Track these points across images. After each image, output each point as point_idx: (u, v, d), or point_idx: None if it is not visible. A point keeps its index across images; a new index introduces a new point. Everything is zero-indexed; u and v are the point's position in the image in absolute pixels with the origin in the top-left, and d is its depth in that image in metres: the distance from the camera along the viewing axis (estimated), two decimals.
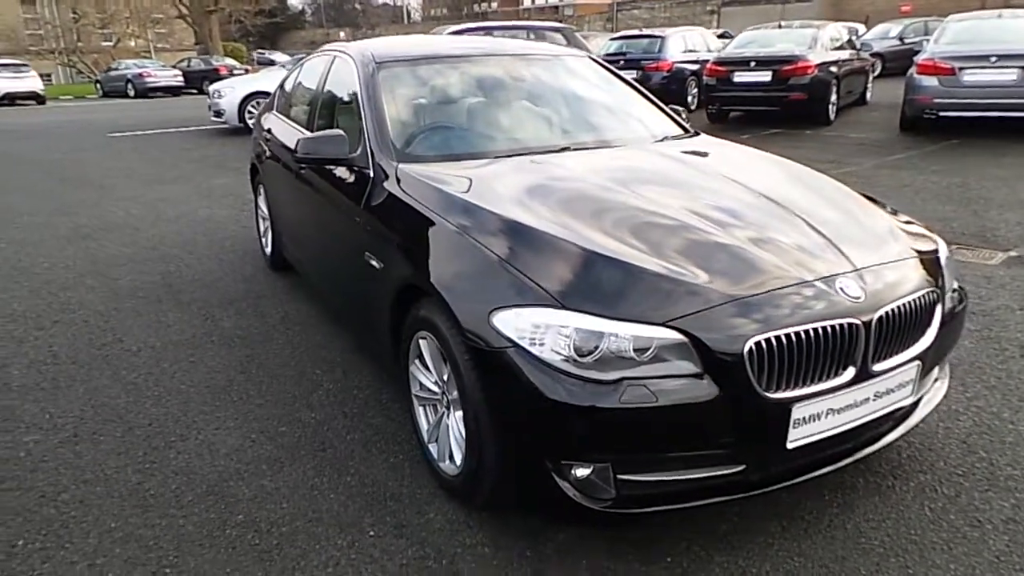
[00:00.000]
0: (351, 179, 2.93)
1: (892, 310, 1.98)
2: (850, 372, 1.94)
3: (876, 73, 15.52)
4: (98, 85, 30.47)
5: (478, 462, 2.10)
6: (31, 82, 25.00)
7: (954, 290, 2.42)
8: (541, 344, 1.84)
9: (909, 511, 2.26)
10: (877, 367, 1.98)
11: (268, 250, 4.77)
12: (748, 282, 1.94)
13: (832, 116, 10.55)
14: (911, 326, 2.05)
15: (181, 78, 28.07)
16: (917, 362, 2.09)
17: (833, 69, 10.44)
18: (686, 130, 3.47)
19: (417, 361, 2.40)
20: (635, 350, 1.81)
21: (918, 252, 2.26)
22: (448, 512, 2.28)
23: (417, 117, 3.10)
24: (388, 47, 3.50)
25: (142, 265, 4.98)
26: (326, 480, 2.47)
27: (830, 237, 2.19)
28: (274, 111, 4.58)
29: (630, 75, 12.53)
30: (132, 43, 41.98)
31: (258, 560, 2.08)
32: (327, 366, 3.34)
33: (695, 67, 12.85)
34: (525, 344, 1.85)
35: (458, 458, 2.22)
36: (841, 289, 1.96)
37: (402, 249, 2.45)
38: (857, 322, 1.91)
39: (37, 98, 24.95)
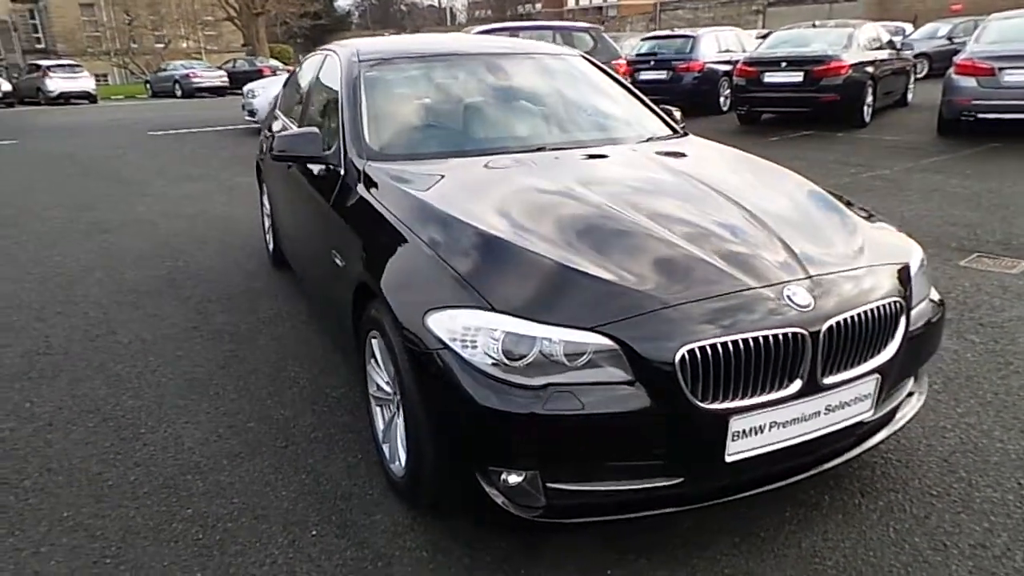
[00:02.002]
0: (325, 177, 2.94)
1: (844, 320, 1.89)
2: (796, 384, 1.85)
3: (922, 74, 15.05)
4: (148, 85, 31.43)
5: (417, 465, 2.07)
6: (84, 82, 25.93)
7: (931, 301, 2.30)
8: (473, 347, 1.80)
9: (872, 531, 2.15)
10: (828, 380, 1.89)
11: (270, 247, 4.83)
12: (689, 288, 1.87)
13: (867, 118, 10.22)
14: (868, 338, 1.95)
15: (226, 79, 28.74)
16: (876, 376, 1.99)
17: (869, 70, 10.12)
18: (675, 131, 3.39)
19: (372, 360, 2.39)
20: (567, 355, 1.76)
21: (885, 261, 2.15)
22: (395, 514, 2.26)
23: (395, 115, 3.10)
24: (375, 45, 3.50)
25: (151, 260, 5.10)
26: (281, 477, 2.47)
27: (789, 243, 2.09)
28: (277, 109, 4.64)
29: (660, 76, 12.54)
30: (184, 44, 43.27)
31: (197, 555, 2.09)
32: (306, 364, 3.35)
33: (728, 68, 12.60)
34: (456, 347, 1.82)
35: (404, 459, 2.19)
36: (789, 297, 1.87)
37: (358, 247, 2.44)
38: (803, 332, 1.82)
39: (89, 97, 25.86)
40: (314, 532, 2.19)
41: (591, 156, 2.87)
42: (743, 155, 3.10)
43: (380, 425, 2.43)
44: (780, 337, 1.80)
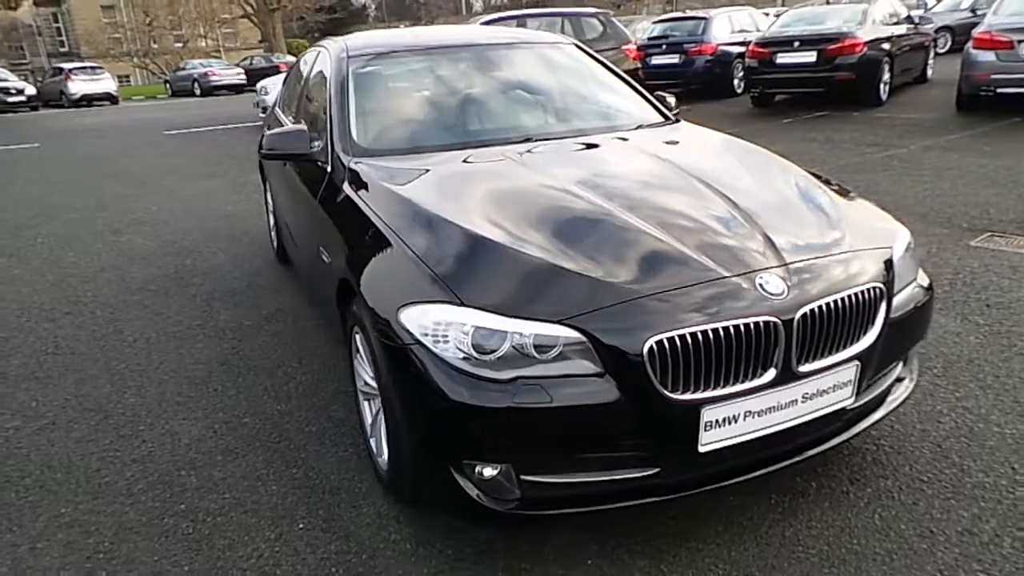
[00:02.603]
0: (313, 173, 2.96)
1: (819, 308, 1.86)
2: (771, 373, 1.83)
3: (944, 49, 14.69)
4: (167, 85, 31.81)
5: (397, 458, 2.09)
6: (105, 84, 26.32)
7: (918, 284, 2.26)
8: (445, 341, 1.81)
9: (858, 519, 2.13)
10: (803, 368, 1.87)
11: (275, 243, 4.88)
12: (658, 278, 1.86)
13: (884, 96, 10.01)
14: (846, 325, 1.92)
15: (243, 76, 28.97)
16: (856, 363, 1.96)
17: (885, 46, 9.90)
18: (667, 118, 3.35)
19: (358, 355, 2.41)
20: (537, 348, 1.76)
21: (866, 246, 2.11)
22: (380, 507, 2.28)
23: (382, 110, 3.11)
24: (365, 40, 3.51)
25: (160, 259, 5.18)
26: (272, 472, 2.51)
27: (768, 230, 2.07)
28: (277, 107, 4.68)
29: (672, 60, 12.39)
30: (202, 43, 43.68)
31: (187, 549, 2.14)
32: (305, 359, 3.39)
33: (742, 49, 12.40)
34: (428, 342, 1.83)
35: (387, 453, 2.22)
36: (761, 285, 1.85)
37: (341, 244, 2.46)
38: (775, 320, 1.80)
39: (111, 99, 26.25)
40: (301, 525, 2.23)
41: (576, 146, 2.85)
42: (732, 141, 3.06)
43: (368, 419, 2.46)
44: (752, 326, 1.78)
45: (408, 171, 2.58)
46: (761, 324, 1.79)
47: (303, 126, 2.97)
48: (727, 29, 12.59)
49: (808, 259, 1.98)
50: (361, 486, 2.40)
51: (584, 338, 1.75)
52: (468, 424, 1.79)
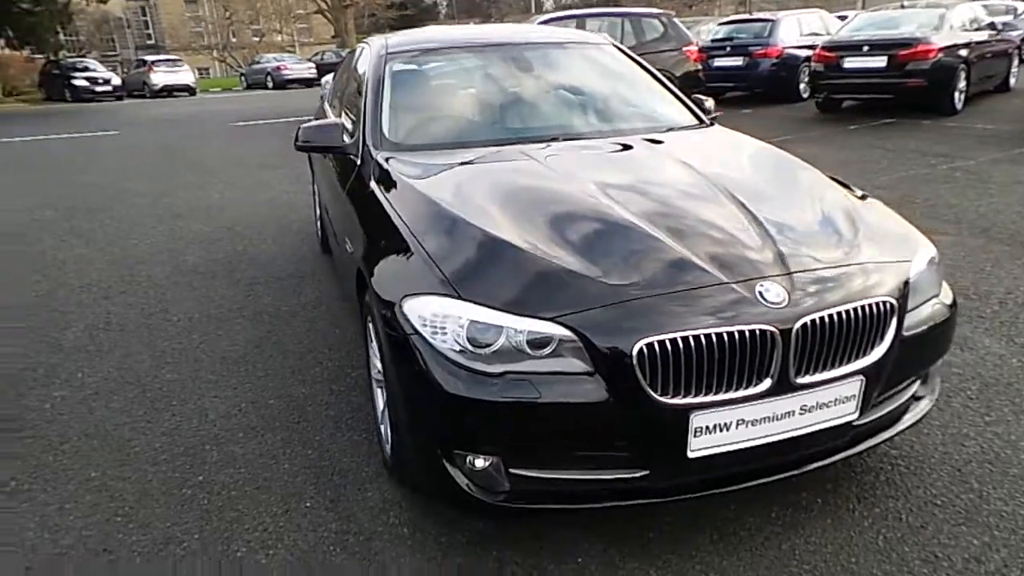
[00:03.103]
0: (346, 166, 3.06)
1: (820, 319, 1.82)
2: (766, 383, 1.81)
3: None
4: (243, 78, 33.01)
5: (398, 445, 2.16)
6: (184, 76, 27.54)
7: (940, 302, 2.18)
8: (444, 333, 1.85)
9: (860, 538, 2.07)
10: (802, 380, 1.84)
11: (319, 233, 5.04)
12: (655, 281, 1.86)
13: (959, 105, 9.57)
14: (850, 338, 1.88)
15: (314, 70, 29.80)
16: (860, 378, 1.91)
17: (962, 53, 9.45)
18: (701, 121, 3.31)
19: (371, 344, 2.49)
20: (530, 344, 1.79)
21: (880, 259, 2.06)
22: (385, 492, 2.35)
23: (414, 106, 3.18)
24: (406, 37, 3.60)
25: (214, 244, 5.42)
26: (289, 451, 2.61)
27: (778, 238, 2.04)
28: (326, 101, 4.83)
29: (736, 63, 12.14)
30: (278, 38, 45.08)
31: (198, 519, 2.25)
32: (334, 346, 3.50)
33: (810, 53, 12.04)
34: (427, 333, 1.88)
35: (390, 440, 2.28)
36: (760, 293, 1.83)
37: (361, 234, 2.54)
38: (771, 329, 1.78)
39: (189, 90, 27.45)
40: (308, 504, 2.31)
41: (600, 147, 2.86)
42: (760, 147, 3.00)
43: (379, 406, 2.53)
44: (747, 334, 1.77)
45: (429, 166, 2.64)
46: (757, 332, 1.77)
47: (337, 120, 3.09)
48: (795, 32, 12.25)
49: (815, 270, 1.94)
50: (369, 470, 2.47)
51: (575, 337, 1.77)
52: (457, 415, 1.83)
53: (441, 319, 1.86)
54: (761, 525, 2.15)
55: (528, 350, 1.79)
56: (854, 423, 1.99)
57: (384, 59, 3.31)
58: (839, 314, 1.85)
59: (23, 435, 2.77)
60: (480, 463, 1.90)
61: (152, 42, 51.12)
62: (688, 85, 10.71)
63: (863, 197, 2.53)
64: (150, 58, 28.87)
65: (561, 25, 10.59)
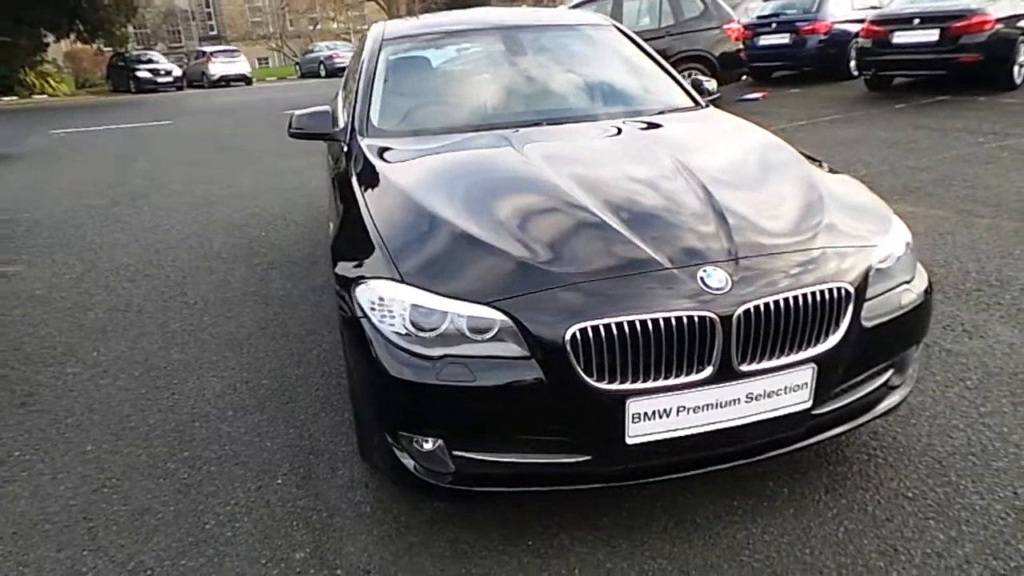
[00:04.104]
0: (336, 152, 3.13)
1: (764, 305, 1.78)
2: (708, 370, 1.78)
3: None
4: (297, 67, 33.70)
5: (358, 427, 2.21)
6: (241, 65, 28.30)
7: (907, 287, 2.09)
8: (392, 317, 1.89)
9: (820, 529, 2.03)
10: (746, 367, 1.80)
11: None
12: (594, 265, 1.85)
13: (1018, 80, 9.03)
14: (798, 325, 1.83)
15: None
16: (812, 366, 1.86)
17: (1022, 24, 8.90)
18: (697, 103, 3.24)
19: None
20: (471, 329, 1.81)
21: (842, 244, 1.99)
22: (355, 472, 2.42)
23: (404, 92, 3.21)
24: (405, 23, 3.63)
25: (240, 229, 5.60)
26: (272, 430, 2.71)
27: (732, 222, 1.99)
28: (341, 87, 4.91)
29: (782, 40, 11.72)
30: (333, 26, 45.85)
31: (177, 492, 2.36)
32: (333, 329, 3.55)
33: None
34: (375, 316, 1.92)
35: None
36: (702, 278, 1.80)
37: (336, 217, 2.60)
38: (711, 316, 1.75)
39: (245, 80, 28.19)
40: (280, 481, 2.40)
41: (580, 130, 2.84)
42: (748, 131, 2.90)
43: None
44: (684, 320, 1.74)
45: (405, 152, 2.67)
46: (695, 318, 1.75)
47: (327, 107, 3.14)
48: (845, 6, 11.73)
49: (764, 255, 1.90)
50: (344, 450, 2.54)
51: (511, 322, 1.78)
52: (399, 397, 1.87)
53: (388, 303, 1.90)
54: (721, 513, 2.12)
55: (469, 334, 1.81)
56: (813, 412, 1.95)
57: (380, 45, 3.35)
58: (786, 300, 1.81)
59: (34, 409, 2.95)
60: (428, 445, 1.93)
61: (214, 33, 52.70)
62: (728, 65, 10.45)
63: (844, 180, 2.44)
64: (209, 49, 29.77)
65: (595, 7, 10.46)
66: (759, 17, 12.38)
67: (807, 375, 1.87)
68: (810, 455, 2.34)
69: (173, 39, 51.85)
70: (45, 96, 24.82)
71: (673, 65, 10.68)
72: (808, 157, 2.62)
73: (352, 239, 2.26)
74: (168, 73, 26.39)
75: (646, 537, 2.05)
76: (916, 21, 9.07)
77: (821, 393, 1.92)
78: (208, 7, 56.28)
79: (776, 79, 12.77)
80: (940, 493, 2.13)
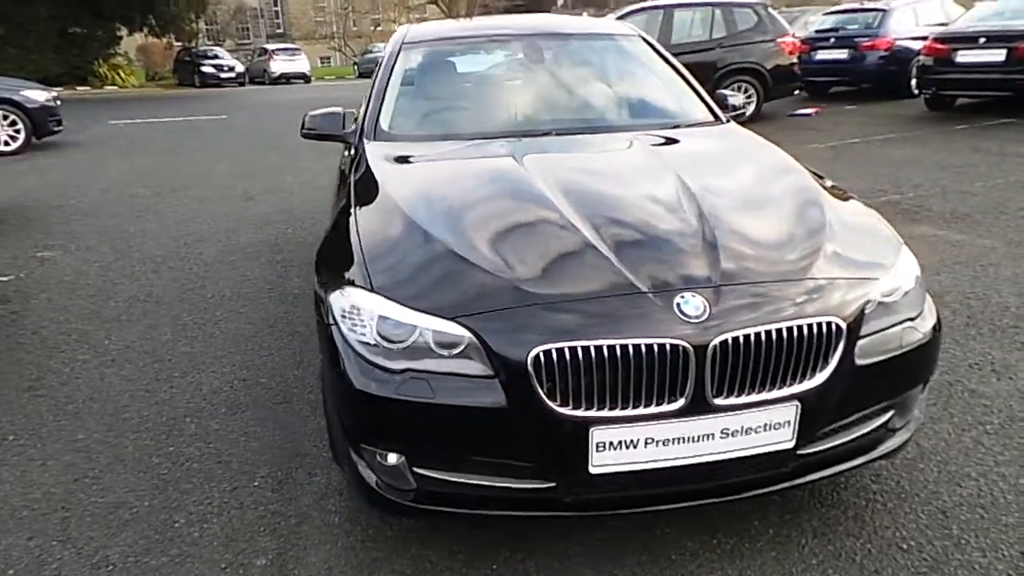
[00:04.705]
0: (346, 154, 3.12)
1: (743, 337, 1.68)
2: (680, 401, 1.69)
3: None
4: (355, 66, 34.31)
5: (329, 434, 2.18)
6: (300, 64, 29.01)
7: (911, 325, 1.94)
8: (362, 326, 1.85)
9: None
10: (721, 401, 1.70)
11: None
12: (566, 285, 1.78)
13: None
14: (781, 360, 1.71)
15: None
16: (796, 404, 1.75)
17: None
18: (717, 118, 3.12)
19: None
20: (438, 344, 1.75)
21: (839, 275, 1.86)
22: (332, 478, 2.39)
23: (416, 96, 3.19)
24: (427, 27, 3.62)
25: (269, 226, 5.68)
26: (260, 430, 2.70)
27: (722, 248, 1.88)
28: None
29: (839, 55, 11.36)
30: (394, 27, 46.56)
31: (154, 487, 2.37)
32: None
33: None
34: (345, 325, 1.88)
35: None
36: (678, 305, 1.70)
37: (330, 219, 2.58)
38: (684, 345, 1.65)
39: (304, 78, 28.87)
40: (256, 483, 2.39)
41: (590, 143, 2.76)
42: (764, 151, 2.76)
43: None
44: (656, 347, 1.65)
45: (404, 158, 2.64)
46: (667, 347, 1.65)
47: (340, 109, 3.15)
48: (909, 22, 11.29)
49: (750, 284, 1.79)
50: (326, 456, 2.50)
51: (475, 338, 1.71)
52: (360, 408, 1.82)
53: (359, 312, 1.86)
54: (698, 551, 2.01)
55: (436, 349, 1.75)
56: (798, 452, 1.83)
57: (399, 49, 3.34)
58: (768, 333, 1.70)
59: (38, 393, 3.02)
60: (391, 459, 1.88)
61: (281, 31, 54.18)
62: (781, 79, 10.18)
63: (855, 208, 2.30)
64: (271, 47, 30.60)
65: (648, 15, 10.32)
66: (817, 31, 12.03)
67: (790, 413, 1.75)
68: (803, 495, 2.21)
69: (242, 36, 53.47)
70: (115, 87, 25.84)
71: (722, 78, 10.51)
72: (817, 176, 2.48)
73: (336, 244, 2.23)
74: (231, 69, 27.22)
75: (616, 570, 1.96)
76: (982, 40, 8.66)
77: (806, 433, 1.80)
78: (276, 5, 57.88)
79: (833, 95, 12.40)
80: (938, 547, 1.98)
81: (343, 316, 1.89)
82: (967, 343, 3.22)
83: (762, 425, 1.75)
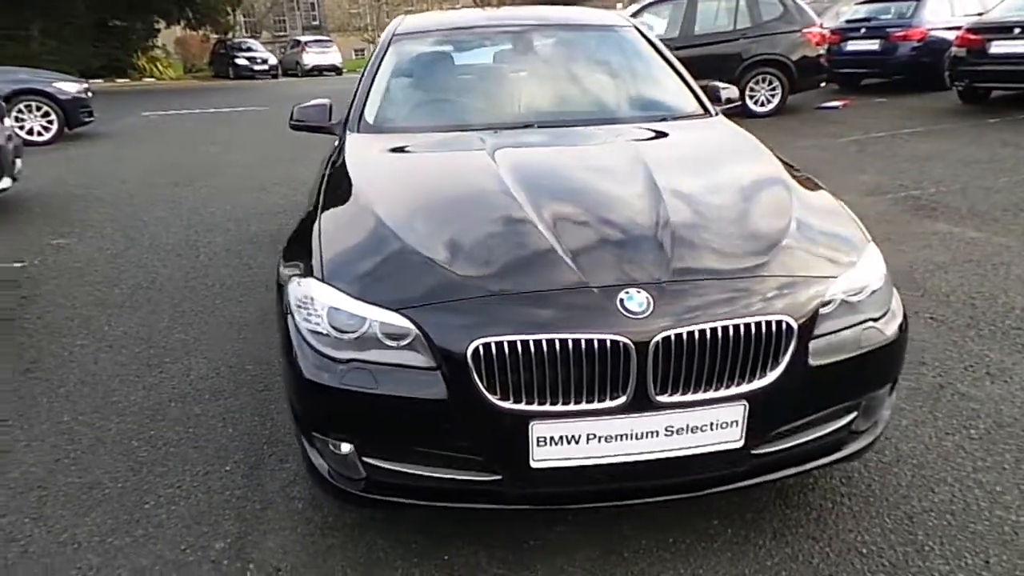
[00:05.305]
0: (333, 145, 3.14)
1: (687, 334, 1.65)
2: (622, 398, 1.67)
3: None
4: None
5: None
6: (332, 56, 29.32)
7: (873, 325, 1.89)
8: (316, 316, 1.86)
9: None
10: (664, 398, 1.68)
11: None
12: (511, 279, 1.77)
13: None
14: (727, 359, 1.68)
15: None
16: (743, 403, 1.71)
17: None
18: (707, 111, 3.06)
19: None
20: (387, 335, 1.76)
21: (796, 273, 1.82)
22: (302, 466, 2.41)
23: (401, 88, 3.19)
24: (418, 19, 3.61)
25: (279, 216, 5.75)
26: (239, 416, 2.75)
27: (676, 244, 1.86)
28: None
29: (870, 46, 11.06)
30: None
31: (130, 469, 2.43)
32: None
33: None
34: (299, 315, 1.90)
35: None
36: (621, 301, 1.68)
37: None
38: (625, 341, 1.63)
39: (336, 70, 29.18)
40: (228, 468, 2.43)
41: (566, 136, 2.75)
42: (743, 147, 2.68)
43: None
44: (596, 343, 1.64)
45: (380, 148, 2.66)
46: (607, 343, 1.64)
47: (327, 100, 3.17)
48: (944, 12, 10.92)
49: (697, 281, 1.76)
50: (297, 443, 2.55)
51: (417, 330, 1.72)
52: (309, 397, 1.85)
53: (312, 302, 1.88)
54: (653, 548, 2.00)
55: (385, 340, 1.76)
56: (752, 452, 1.80)
57: (390, 40, 3.35)
58: (714, 331, 1.67)
59: (34, 376, 3.12)
60: (344, 449, 1.90)
61: (316, 23, 54.72)
62: (806, 71, 9.96)
63: (829, 205, 2.24)
64: (303, 39, 30.96)
65: (670, 7, 10.18)
66: (848, 21, 11.72)
67: (737, 413, 1.72)
68: (769, 495, 2.18)
69: (278, 28, 54.15)
70: (153, 79, 26.42)
71: (747, 69, 10.28)
72: (793, 170, 2.42)
73: (300, 235, 2.25)
74: (264, 61, 27.62)
75: (566, 564, 1.95)
76: (1017, 31, 8.34)
77: (757, 433, 1.76)
78: None
79: (864, 87, 12.09)
80: (899, 553, 1.93)
81: (298, 306, 1.91)
82: (965, 344, 3.12)
83: (708, 424, 1.72)
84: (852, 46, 11.31)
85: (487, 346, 1.65)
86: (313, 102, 3.23)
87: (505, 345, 1.64)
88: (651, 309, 1.67)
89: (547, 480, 1.75)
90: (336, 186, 2.38)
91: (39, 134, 9.75)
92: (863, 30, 11.30)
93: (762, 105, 10.04)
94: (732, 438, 1.75)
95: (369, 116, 2.97)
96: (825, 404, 1.87)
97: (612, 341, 1.63)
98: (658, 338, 1.64)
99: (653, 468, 1.75)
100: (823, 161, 7.16)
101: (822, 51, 10.03)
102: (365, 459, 1.86)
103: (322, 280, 1.87)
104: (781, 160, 2.52)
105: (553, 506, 1.83)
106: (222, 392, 2.94)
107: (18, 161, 6.03)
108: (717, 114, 3.06)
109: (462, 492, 1.84)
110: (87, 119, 10.30)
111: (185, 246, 5.01)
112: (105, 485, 2.35)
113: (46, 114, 9.80)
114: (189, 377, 3.08)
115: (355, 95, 3.11)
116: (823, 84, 10.64)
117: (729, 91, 3.28)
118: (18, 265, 4.60)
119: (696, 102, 3.11)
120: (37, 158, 8.34)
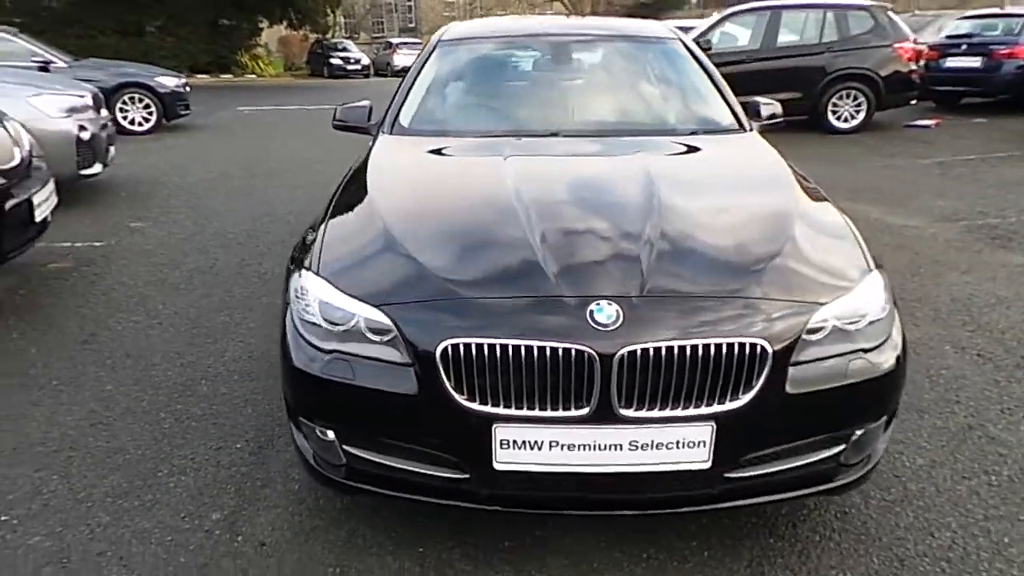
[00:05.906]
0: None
1: (653, 350, 1.65)
2: (585, 408, 1.68)
3: None
4: None
5: None
6: None
7: (863, 356, 1.82)
8: (310, 307, 1.96)
9: None
10: (629, 412, 1.68)
11: None
12: (488, 284, 1.82)
13: None
14: (695, 378, 1.67)
15: None
16: (710, 424, 1.69)
17: None
18: (742, 126, 3.00)
19: None
20: (371, 330, 1.84)
21: (779, 296, 1.78)
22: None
23: (438, 92, 3.28)
24: (465, 26, 3.71)
25: None
26: (261, 398, 2.90)
27: (661, 258, 1.86)
28: None
29: (971, 63, 10.43)
30: None
31: (152, 439, 2.60)
32: None
33: None
34: (296, 305, 2.00)
35: None
36: (590, 312, 1.69)
37: None
38: (590, 352, 1.65)
39: None
40: (239, 445, 2.57)
41: (582, 148, 2.78)
42: (761, 164, 2.62)
43: None
44: (561, 351, 1.66)
45: (403, 152, 2.75)
46: (572, 352, 1.66)
47: (367, 102, 3.30)
48: None
49: (670, 297, 1.75)
50: None
51: (394, 327, 1.79)
52: (295, 384, 1.95)
53: (306, 294, 1.98)
54: (623, 563, 1.99)
55: (369, 334, 1.84)
56: (726, 475, 1.78)
57: (435, 46, 3.45)
58: (682, 349, 1.66)
59: (89, 347, 3.38)
60: (331, 435, 1.99)
61: (412, 25, 56.21)
62: (895, 87, 9.49)
63: (838, 228, 2.17)
64: (395, 40, 31.90)
65: (754, 18, 9.92)
66: (948, 36, 11.10)
67: (705, 433, 1.71)
68: (755, 522, 2.13)
69: (376, 29, 55.95)
70: (254, 76, 27.79)
71: (831, 83, 9.92)
72: (811, 189, 2.36)
73: (313, 229, 2.36)
74: (357, 62, 28.60)
75: (535, 571, 1.97)
76: None
77: (726, 455, 1.74)
78: (408, 0, 60.09)
79: (963, 106, 11.42)
80: None
81: (295, 296, 2.02)
82: (1009, 385, 2.93)
83: (674, 442, 1.71)
84: (952, 63, 10.72)
85: (456, 347, 1.70)
86: (355, 103, 3.36)
87: (473, 347, 1.69)
88: (620, 322, 1.68)
89: (511, 482, 1.79)
90: (352, 184, 2.50)
91: (139, 124, 10.47)
92: (964, 46, 10.69)
93: (845, 121, 9.64)
94: (699, 458, 1.73)
95: (404, 119, 3.08)
96: (805, 433, 1.82)
97: (577, 351, 1.65)
98: (623, 352, 1.65)
99: (620, 481, 1.76)
100: (899, 181, 6.83)
101: (914, 67, 9.54)
102: (345, 447, 1.94)
103: (316, 273, 1.97)
104: (802, 181, 2.45)
105: (519, 509, 1.86)
106: (249, 375, 3.11)
107: (111, 149, 6.52)
108: (752, 130, 2.99)
109: (436, 488, 1.89)
110: (183, 112, 10.98)
111: (246, 235, 5.29)
112: (128, 451, 2.53)
113: (147, 106, 10.51)
114: (223, 358, 3.27)
115: (393, 97, 3.23)
116: (914, 101, 10.13)
117: (772, 107, 3.20)
118: (98, 245, 4.98)
119: (732, 117, 3.05)
120: (133, 147, 8.97)
